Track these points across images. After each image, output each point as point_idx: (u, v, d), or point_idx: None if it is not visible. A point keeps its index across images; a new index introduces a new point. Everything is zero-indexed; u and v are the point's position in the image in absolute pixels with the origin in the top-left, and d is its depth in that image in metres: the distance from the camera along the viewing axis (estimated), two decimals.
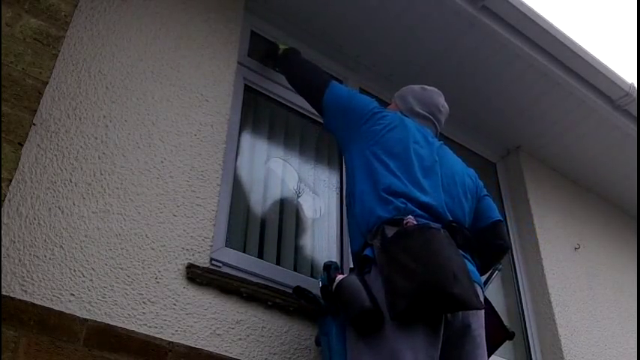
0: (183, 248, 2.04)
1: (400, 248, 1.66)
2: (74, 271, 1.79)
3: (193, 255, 2.05)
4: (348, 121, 2.12)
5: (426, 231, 1.72)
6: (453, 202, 1.98)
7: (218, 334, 1.96)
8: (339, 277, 1.76)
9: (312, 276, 2.47)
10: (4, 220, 1.73)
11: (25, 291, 1.69)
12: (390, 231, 1.74)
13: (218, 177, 2.28)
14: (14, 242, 1.73)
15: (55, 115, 2.00)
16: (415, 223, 1.75)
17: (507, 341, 2.03)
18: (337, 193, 2.81)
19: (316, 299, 1.92)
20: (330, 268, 1.87)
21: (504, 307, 3.14)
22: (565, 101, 3.38)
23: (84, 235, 1.87)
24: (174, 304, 1.92)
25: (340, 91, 2.25)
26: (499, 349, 2.05)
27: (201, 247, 2.09)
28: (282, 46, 2.64)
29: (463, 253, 1.81)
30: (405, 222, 1.73)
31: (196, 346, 1.89)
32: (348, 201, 2.04)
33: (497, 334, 1.84)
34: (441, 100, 2.35)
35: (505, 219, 3.50)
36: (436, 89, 2.40)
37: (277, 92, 2.85)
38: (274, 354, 2.05)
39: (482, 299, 1.81)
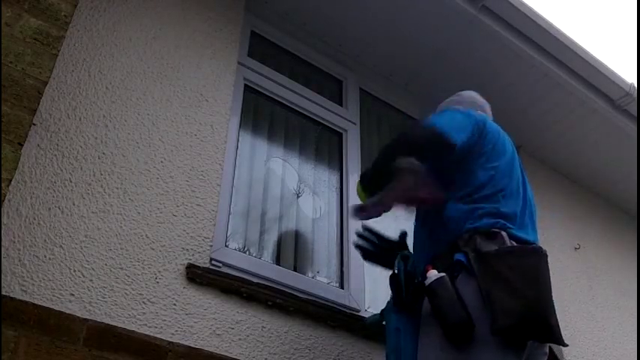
0: (183, 248, 2.04)
1: (507, 265, 1.61)
2: (74, 271, 1.79)
3: (193, 255, 2.05)
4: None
5: (537, 253, 1.67)
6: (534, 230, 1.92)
7: (218, 334, 1.96)
8: (433, 273, 1.66)
9: (312, 276, 2.48)
10: (4, 220, 1.73)
11: (25, 291, 1.69)
12: (485, 243, 1.69)
13: (218, 177, 2.28)
14: (14, 242, 1.73)
15: (55, 115, 2.00)
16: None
17: None
18: (337, 193, 2.81)
19: (404, 291, 1.78)
20: (408, 260, 1.81)
21: None
22: (565, 101, 3.38)
23: (84, 235, 1.87)
24: (174, 304, 1.92)
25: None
26: None
27: (201, 247, 2.09)
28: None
29: None
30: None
31: (196, 346, 1.89)
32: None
33: None
34: (481, 98, 2.29)
35: None
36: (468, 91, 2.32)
37: (277, 92, 2.85)
38: (274, 354, 2.05)
39: None
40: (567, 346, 1.67)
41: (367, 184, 1.87)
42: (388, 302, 1.92)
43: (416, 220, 2.05)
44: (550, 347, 1.78)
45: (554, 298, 1.59)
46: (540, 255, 1.67)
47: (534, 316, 1.54)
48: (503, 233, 1.73)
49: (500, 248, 1.67)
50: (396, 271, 1.83)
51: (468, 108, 2.10)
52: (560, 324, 1.73)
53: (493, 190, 1.82)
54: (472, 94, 2.28)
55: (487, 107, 2.26)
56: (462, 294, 1.61)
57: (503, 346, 1.54)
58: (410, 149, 1.78)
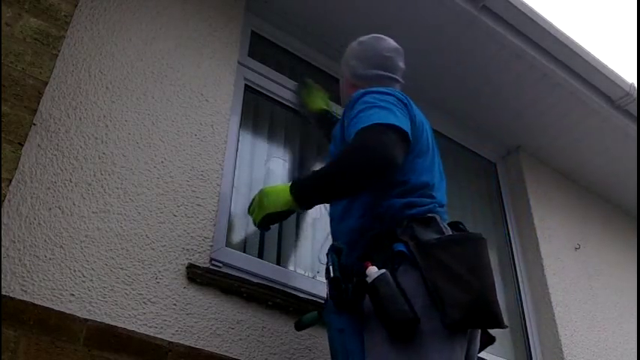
0: (183, 248, 2.04)
1: (450, 254, 1.59)
2: (74, 271, 1.79)
3: (193, 255, 2.05)
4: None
5: (478, 240, 1.66)
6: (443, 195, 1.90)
7: (218, 334, 1.96)
8: (373, 270, 1.58)
9: (312, 276, 2.47)
10: (4, 220, 1.73)
11: (25, 291, 1.68)
12: (422, 230, 1.66)
13: (218, 177, 2.28)
14: (14, 242, 1.73)
15: (55, 115, 2.00)
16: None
17: (504, 342, 2.02)
18: None
19: (346, 292, 1.64)
20: (341, 253, 1.71)
21: (504, 307, 3.14)
22: (565, 101, 3.38)
23: (84, 235, 1.87)
24: (175, 305, 1.92)
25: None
26: (497, 349, 2.05)
27: (202, 247, 2.09)
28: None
29: None
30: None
31: (196, 347, 1.89)
32: None
33: (482, 339, 1.84)
34: (384, 46, 2.08)
35: (505, 219, 3.51)
36: (374, 35, 2.11)
37: (277, 92, 2.85)
38: (274, 354, 2.05)
39: None
40: (507, 327, 1.68)
41: (300, 194, 1.71)
42: (326, 302, 1.83)
43: (333, 207, 1.92)
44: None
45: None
46: (482, 241, 1.67)
47: (482, 306, 1.55)
48: (437, 218, 1.72)
49: (441, 237, 1.65)
50: (330, 266, 1.71)
51: (357, 70, 2.01)
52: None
53: (423, 180, 1.79)
54: (373, 46, 2.07)
55: (390, 55, 2.07)
56: (405, 287, 1.55)
57: (449, 334, 1.54)
58: (356, 181, 1.66)
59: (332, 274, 1.70)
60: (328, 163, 1.75)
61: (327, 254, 1.76)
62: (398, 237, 1.68)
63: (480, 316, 1.55)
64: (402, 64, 2.12)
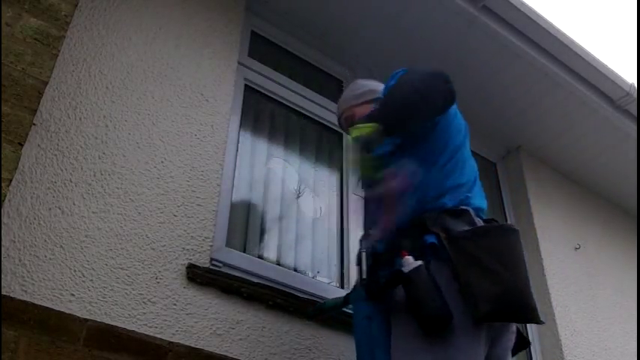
0: (183, 248, 2.04)
1: (483, 247, 1.57)
2: (74, 271, 1.79)
3: (194, 255, 2.05)
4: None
5: (513, 232, 1.64)
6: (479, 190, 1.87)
7: (218, 334, 1.96)
8: (409, 260, 1.57)
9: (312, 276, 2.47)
10: (4, 220, 1.73)
11: (25, 291, 1.68)
12: (454, 222, 1.64)
13: (218, 177, 2.28)
14: (14, 242, 1.73)
15: (55, 115, 2.00)
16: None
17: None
18: (337, 194, 2.80)
19: (380, 279, 1.65)
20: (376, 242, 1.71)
21: None
22: (565, 101, 3.38)
23: (84, 235, 1.86)
24: (175, 304, 1.92)
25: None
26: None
27: (202, 247, 2.09)
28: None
29: None
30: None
31: (196, 346, 1.89)
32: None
33: (517, 342, 1.82)
34: None
35: (505, 219, 3.51)
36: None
37: (277, 92, 2.85)
38: (274, 354, 2.05)
39: None
40: (544, 323, 1.67)
41: (383, 120, 1.69)
42: (355, 289, 1.83)
43: (366, 193, 1.93)
44: (517, 327, 1.77)
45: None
46: (514, 233, 1.64)
47: (514, 298, 1.53)
48: (471, 210, 1.70)
49: (474, 229, 1.62)
50: (363, 252, 1.71)
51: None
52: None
53: (457, 165, 1.78)
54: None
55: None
56: (438, 281, 1.55)
57: (476, 329, 1.53)
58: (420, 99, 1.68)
59: (365, 262, 1.71)
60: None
61: (361, 240, 1.77)
62: (428, 228, 1.66)
63: (511, 309, 1.52)
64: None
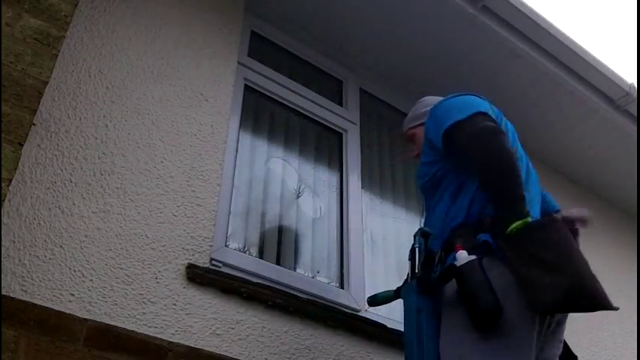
0: (183, 248, 2.04)
1: (535, 241, 1.56)
2: (74, 271, 1.79)
3: (193, 255, 2.05)
4: None
5: (558, 222, 1.63)
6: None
7: (218, 334, 1.96)
8: (463, 255, 1.59)
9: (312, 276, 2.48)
10: (4, 220, 1.73)
11: (25, 291, 1.69)
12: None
13: (218, 177, 2.28)
14: (14, 242, 1.73)
15: (55, 115, 2.00)
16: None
17: None
18: (337, 193, 2.81)
19: (432, 271, 1.70)
20: (428, 237, 1.74)
21: None
22: (565, 101, 3.38)
23: (84, 235, 1.87)
24: (174, 304, 1.92)
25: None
26: None
27: (201, 247, 2.09)
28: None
29: None
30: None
31: (196, 346, 1.89)
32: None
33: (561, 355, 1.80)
34: None
35: None
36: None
37: (277, 92, 2.85)
38: (274, 354, 2.05)
39: None
40: (618, 309, 1.61)
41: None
42: (407, 282, 1.85)
43: (428, 199, 1.97)
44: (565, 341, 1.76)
45: None
46: (560, 223, 1.64)
47: (581, 286, 1.50)
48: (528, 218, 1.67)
49: (528, 224, 1.60)
50: (417, 247, 1.76)
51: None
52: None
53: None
54: (431, 96, 2.21)
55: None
56: (490, 277, 1.55)
57: (524, 328, 1.52)
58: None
59: (418, 257, 1.74)
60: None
61: (415, 236, 1.79)
62: (483, 227, 1.67)
63: (579, 297, 1.51)
64: None
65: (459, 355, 1.53)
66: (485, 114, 1.84)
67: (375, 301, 2.02)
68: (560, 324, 1.74)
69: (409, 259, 1.78)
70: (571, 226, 1.68)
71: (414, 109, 2.20)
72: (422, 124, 2.05)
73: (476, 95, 2.00)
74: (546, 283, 1.50)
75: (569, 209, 1.72)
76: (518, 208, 1.64)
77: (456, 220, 1.76)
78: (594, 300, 1.54)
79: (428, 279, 1.70)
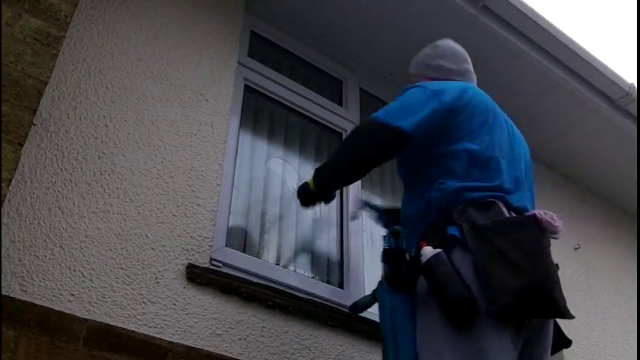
0: (183, 248, 2.04)
1: (505, 239, 1.53)
2: (74, 271, 1.79)
3: (193, 255, 2.05)
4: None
5: (537, 223, 1.59)
6: (523, 193, 1.84)
7: (218, 334, 1.96)
8: (428, 250, 1.57)
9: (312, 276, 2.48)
10: (4, 220, 1.73)
11: (25, 291, 1.69)
12: (481, 214, 1.62)
13: (218, 177, 2.28)
14: (14, 242, 1.73)
15: (55, 115, 2.00)
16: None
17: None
18: (337, 193, 2.80)
19: (401, 270, 1.70)
20: (399, 236, 1.73)
21: None
22: (565, 101, 3.38)
23: (84, 235, 1.87)
24: (174, 304, 1.92)
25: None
26: None
27: (201, 247, 2.09)
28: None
29: None
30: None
31: (196, 346, 1.89)
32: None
33: (555, 341, 1.78)
34: (457, 44, 2.18)
35: None
36: (443, 39, 2.20)
37: (277, 92, 2.85)
38: (274, 354, 2.05)
39: None
40: (574, 317, 1.60)
41: (319, 180, 1.89)
42: (380, 282, 1.85)
43: (405, 190, 1.95)
44: (558, 327, 1.74)
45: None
46: (540, 225, 1.60)
47: (535, 292, 1.48)
48: (500, 203, 1.66)
49: (496, 220, 1.59)
50: (386, 247, 1.77)
51: (449, 70, 2.04)
52: (559, 322, 1.70)
53: (481, 165, 1.74)
54: (451, 45, 2.16)
55: (466, 56, 2.17)
56: (460, 269, 1.53)
57: (503, 327, 1.48)
58: (358, 154, 1.82)
59: (389, 257, 1.75)
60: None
61: (385, 237, 1.79)
62: (454, 221, 1.65)
63: (533, 302, 1.48)
64: None
65: (437, 353, 1.49)
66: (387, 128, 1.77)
67: (357, 307, 2.00)
68: (541, 332, 1.68)
69: (382, 261, 1.79)
70: (550, 230, 1.64)
71: (422, 54, 2.17)
72: (420, 75, 2.06)
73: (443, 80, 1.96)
74: (505, 284, 1.47)
75: (548, 213, 1.68)
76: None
77: (429, 214, 1.73)
78: (550, 308, 1.53)
79: (397, 277, 1.71)
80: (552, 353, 1.72)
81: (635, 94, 3.36)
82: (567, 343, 1.77)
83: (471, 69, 2.14)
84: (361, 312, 2.04)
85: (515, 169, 1.85)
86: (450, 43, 2.18)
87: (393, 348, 1.67)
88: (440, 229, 1.67)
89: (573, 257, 3.48)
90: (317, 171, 1.91)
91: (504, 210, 1.66)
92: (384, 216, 2.04)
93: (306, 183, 1.94)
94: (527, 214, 1.67)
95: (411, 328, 1.62)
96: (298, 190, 1.98)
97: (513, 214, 1.68)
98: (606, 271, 3.65)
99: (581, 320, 3.22)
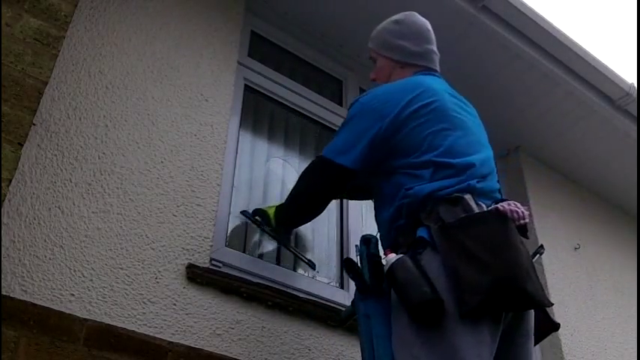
0: (183, 248, 2.04)
1: (470, 236, 1.52)
2: (74, 271, 1.79)
3: (193, 255, 2.05)
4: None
5: (499, 217, 1.57)
6: (491, 176, 1.84)
7: (218, 334, 1.96)
8: (391, 256, 1.58)
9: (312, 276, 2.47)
10: (4, 220, 1.73)
11: (25, 291, 1.69)
12: (448, 211, 1.61)
13: (218, 177, 2.28)
14: (14, 242, 1.73)
15: (55, 115, 2.00)
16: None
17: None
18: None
19: (363, 277, 1.72)
20: (369, 242, 1.73)
21: None
22: (565, 101, 3.38)
23: (84, 235, 1.87)
24: (174, 304, 1.92)
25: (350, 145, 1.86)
26: None
27: (201, 247, 2.09)
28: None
29: None
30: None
31: (196, 346, 1.89)
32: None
33: (542, 326, 1.72)
34: (423, 20, 2.13)
35: None
36: (406, 13, 2.16)
37: (277, 92, 2.85)
38: (274, 354, 2.05)
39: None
40: (552, 305, 1.59)
41: (281, 219, 2.09)
42: (355, 291, 1.85)
43: (373, 194, 1.96)
44: (544, 311, 1.72)
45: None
46: (503, 217, 1.58)
47: (506, 286, 1.46)
48: (467, 196, 1.65)
49: (461, 217, 1.58)
50: (357, 256, 1.76)
51: (409, 53, 2.03)
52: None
53: (445, 165, 1.72)
54: (415, 22, 2.12)
55: (430, 29, 2.14)
56: (427, 270, 1.52)
57: (478, 321, 1.46)
58: (310, 193, 1.95)
59: (362, 263, 1.74)
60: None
61: (356, 245, 1.79)
62: (422, 222, 1.64)
63: (504, 297, 1.46)
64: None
65: (414, 356, 1.48)
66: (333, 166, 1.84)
67: (341, 319, 2.02)
68: (521, 320, 1.65)
69: (346, 270, 1.78)
70: (517, 221, 1.62)
71: (382, 29, 2.16)
72: (379, 53, 2.11)
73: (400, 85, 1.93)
74: (473, 283, 1.46)
75: (511, 203, 1.66)
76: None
77: (399, 219, 1.73)
78: (523, 300, 1.50)
79: (363, 284, 1.71)
80: (541, 338, 1.71)
81: (635, 94, 3.36)
82: (555, 326, 1.75)
83: (434, 48, 2.12)
84: (346, 323, 2.05)
85: (480, 152, 1.84)
86: (412, 19, 2.13)
87: (370, 355, 1.67)
88: (409, 232, 1.67)
89: (573, 257, 3.48)
90: (277, 210, 2.10)
91: (472, 203, 1.64)
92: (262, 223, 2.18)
93: (266, 213, 2.14)
94: (489, 207, 1.66)
95: (387, 334, 1.61)
96: (256, 213, 2.19)
97: (483, 205, 1.67)
98: (606, 271, 3.65)
99: (581, 320, 3.22)
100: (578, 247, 3.54)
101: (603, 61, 3.28)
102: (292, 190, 2.04)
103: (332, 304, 2.31)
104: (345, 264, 1.78)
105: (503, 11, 2.98)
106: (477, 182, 1.72)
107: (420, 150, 1.75)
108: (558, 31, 3.12)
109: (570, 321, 3.13)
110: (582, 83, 3.29)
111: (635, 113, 3.44)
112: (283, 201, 2.10)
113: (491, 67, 3.21)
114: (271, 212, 2.13)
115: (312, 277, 2.46)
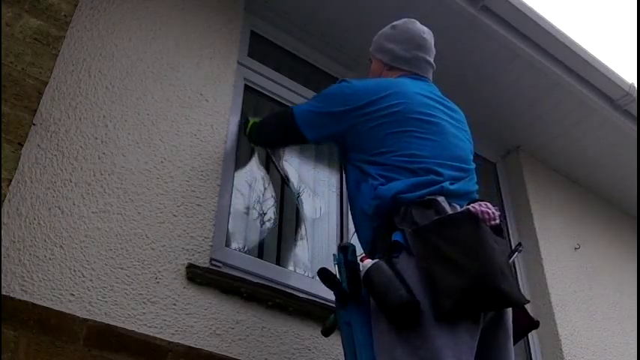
0: (183, 248, 2.04)
1: (443, 238, 1.53)
2: (74, 271, 1.79)
3: (193, 255, 2.05)
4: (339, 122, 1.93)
5: (471, 218, 1.57)
6: (468, 176, 1.84)
7: (218, 334, 1.96)
8: (367, 261, 1.59)
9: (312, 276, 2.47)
10: (4, 220, 1.73)
11: (25, 291, 1.69)
12: (421, 214, 1.62)
13: (218, 177, 2.28)
14: (14, 242, 1.73)
15: (55, 115, 2.00)
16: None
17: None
18: (337, 193, 2.81)
19: (341, 285, 1.71)
20: (347, 250, 1.73)
21: None
22: (565, 101, 3.38)
23: (84, 235, 1.87)
24: (174, 304, 1.92)
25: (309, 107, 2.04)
26: None
27: (201, 247, 2.09)
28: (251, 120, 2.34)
29: None
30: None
31: (196, 346, 1.89)
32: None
33: (522, 323, 1.74)
34: (420, 27, 2.16)
35: (505, 219, 3.51)
36: (406, 19, 2.21)
37: (277, 92, 2.85)
38: (274, 354, 2.05)
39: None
40: (529, 302, 1.61)
41: (252, 136, 2.30)
42: (335, 300, 1.85)
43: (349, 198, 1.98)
44: (524, 309, 1.73)
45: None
46: (475, 219, 1.58)
47: (481, 288, 1.46)
48: (440, 198, 1.65)
49: (433, 221, 1.58)
50: (335, 264, 1.75)
51: (396, 57, 2.09)
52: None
53: (412, 167, 1.74)
54: (409, 28, 2.16)
55: (426, 38, 2.17)
56: (404, 274, 1.53)
57: (456, 322, 1.47)
58: (270, 136, 2.25)
59: (340, 271, 1.73)
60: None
61: (334, 254, 1.78)
62: (396, 226, 1.65)
63: (479, 298, 1.47)
64: (433, 48, 2.21)
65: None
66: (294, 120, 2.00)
67: (327, 330, 2.00)
68: (501, 319, 1.65)
69: (321, 279, 1.77)
70: (488, 222, 1.62)
71: (381, 32, 2.24)
72: (373, 55, 2.20)
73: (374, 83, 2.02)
74: (447, 286, 1.47)
75: (482, 204, 1.66)
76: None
77: (373, 220, 1.74)
78: (498, 300, 1.50)
79: (340, 292, 1.71)
80: (521, 336, 1.72)
81: (635, 94, 3.36)
82: (535, 324, 1.77)
83: (424, 55, 2.14)
84: (331, 333, 2.04)
85: (453, 156, 1.85)
86: (408, 25, 2.18)
87: None
88: (385, 235, 1.68)
89: (573, 257, 3.48)
90: (252, 125, 2.28)
91: (445, 205, 1.65)
92: None
93: (248, 122, 2.32)
94: (461, 209, 1.66)
95: (369, 342, 1.61)
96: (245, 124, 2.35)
97: (457, 207, 1.68)
98: (606, 271, 3.65)
99: (581, 320, 3.22)
100: (578, 247, 3.54)
101: (603, 61, 3.28)
102: (264, 119, 2.30)
103: (332, 305, 2.31)
104: (320, 274, 1.75)
105: (503, 11, 2.98)
106: (451, 184, 1.74)
107: (379, 150, 1.80)
108: (558, 31, 3.12)
109: (570, 321, 3.13)
110: (582, 83, 3.29)
111: (635, 113, 3.44)
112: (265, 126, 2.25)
113: (492, 67, 3.21)
114: (250, 123, 2.31)
115: (312, 277, 2.47)
